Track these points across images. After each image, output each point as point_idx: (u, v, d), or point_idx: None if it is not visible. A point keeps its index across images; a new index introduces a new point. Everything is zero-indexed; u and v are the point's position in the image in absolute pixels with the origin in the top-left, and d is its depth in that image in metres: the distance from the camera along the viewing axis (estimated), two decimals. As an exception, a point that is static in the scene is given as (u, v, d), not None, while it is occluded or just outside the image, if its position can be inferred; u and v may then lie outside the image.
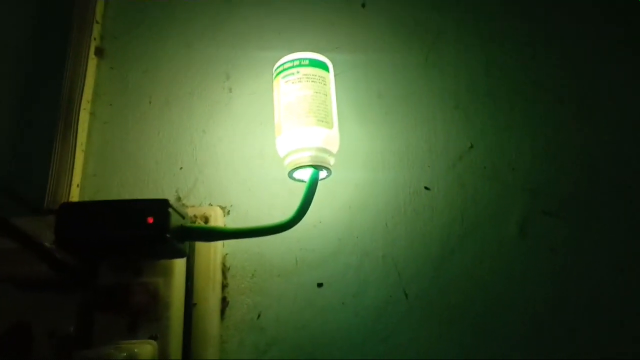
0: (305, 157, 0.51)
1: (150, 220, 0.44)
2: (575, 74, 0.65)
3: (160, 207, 0.44)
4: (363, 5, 0.68)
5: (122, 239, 0.44)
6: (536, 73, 0.65)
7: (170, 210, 0.45)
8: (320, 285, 0.57)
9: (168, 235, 0.44)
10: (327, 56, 0.57)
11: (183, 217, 0.48)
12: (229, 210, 0.61)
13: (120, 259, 0.49)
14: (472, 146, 0.61)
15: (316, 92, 0.53)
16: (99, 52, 0.69)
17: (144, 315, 0.49)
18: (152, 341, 0.48)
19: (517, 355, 0.54)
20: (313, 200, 0.52)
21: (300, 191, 0.52)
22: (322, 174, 0.53)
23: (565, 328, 0.55)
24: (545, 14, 0.68)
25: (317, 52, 0.57)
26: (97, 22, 0.69)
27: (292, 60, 0.54)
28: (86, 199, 0.62)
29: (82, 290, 0.49)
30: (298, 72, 0.53)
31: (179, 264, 0.53)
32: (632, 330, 0.55)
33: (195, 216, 0.57)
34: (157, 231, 0.44)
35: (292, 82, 0.53)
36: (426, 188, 0.60)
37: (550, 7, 0.68)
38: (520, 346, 0.54)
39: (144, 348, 0.47)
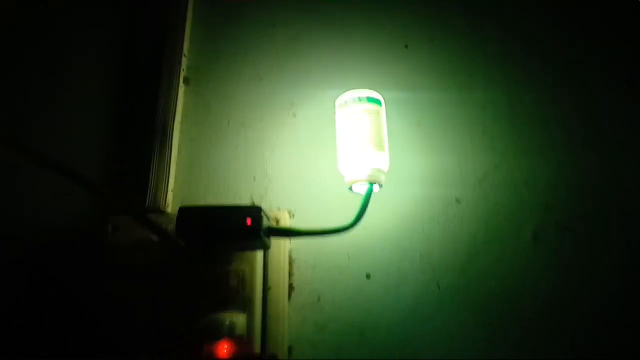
0: (363, 175, 0.65)
1: (249, 221, 0.58)
2: (584, 109, 0.78)
3: (256, 212, 0.59)
4: (406, 47, 0.82)
5: (228, 234, 0.58)
6: (550, 107, 0.78)
7: (262, 214, 0.59)
8: (368, 276, 0.71)
9: (261, 233, 0.58)
10: (377, 90, 0.71)
11: (268, 219, 0.63)
12: (293, 214, 0.74)
13: (221, 249, 0.63)
14: (496, 166, 0.75)
15: (372, 123, 0.67)
16: (186, 81, 0.83)
17: (236, 294, 0.63)
18: (243, 314, 0.62)
19: (529, 337, 0.67)
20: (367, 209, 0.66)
21: (352, 201, 0.66)
22: (375, 187, 0.67)
23: (567, 318, 0.68)
24: (562, 59, 0.81)
25: (367, 87, 0.71)
26: (184, 56, 0.83)
27: (354, 97, 0.68)
28: (178, 202, 0.76)
29: (191, 275, 0.63)
30: (359, 107, 0.67)
31: (259, 256, 0.67)
32: (620, 329, 0.67)
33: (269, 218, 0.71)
34: (254, 229, 0.58)
35: (354, 114, 0.67)
36: (457, 201, 0.73)
37: (566, 52, 0.81)
38: (532, 331, 0.67)
39: (238, 317, 0.61)
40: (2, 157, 0.76)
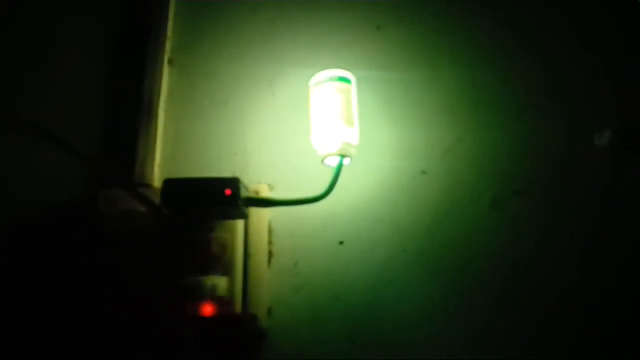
0: (334, 148, 0.71)
1: (228, 192, 0.64)
2: (538, 84, 0.83)
3: (234, 183, 0.64)
4: (378, 28, 0.87)
5: (209, 203, 0.64)
6: (511, 84, 0.83)
7: (240, 185, 0.65)
8: (341, 243, 0.77)
9: (239, 202, 0.64)
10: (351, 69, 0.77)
11: (246, 190, 0.68)
12: (273, 187, 0.80)
13: (203, 218, 0.69)
14: (458, 139, 0.81)
15: (342, 101, 0.72)
16: (170, 62, 0.87)
17: (218, 260, 0.69)
18: (225, 277, 0.68)
19: (486, 294, 0.74)
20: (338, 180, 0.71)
21: (328, 173, 0.72)
22: (346, 160, 0.72)
23: (521, 277, 0.74)
24: (521, 40, 0.86)
25: (342, 66, 0.76)
26: (168, 38, 0.88)
27: (326, 77, 0.74)
28: (164, 176, 0.79)
29: (176, 242, 0.69)
30: (330, 85, 0.73)
31: (240, 225, 0.73)
32: (572, 285, 0.74)
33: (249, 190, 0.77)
34: (233, 199, 0.64)
35: (326, 92, 0.73)
36: (423, 172, 0.79)
37: (527, 33, 0.87)
38: (489, 288, 0.74)
39: (221, 280, 0.67)
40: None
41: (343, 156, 0.71)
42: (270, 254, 0.77)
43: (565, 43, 0.86)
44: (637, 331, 0.72)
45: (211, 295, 0.64)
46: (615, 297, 0.74)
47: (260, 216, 0.76)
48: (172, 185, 0.64)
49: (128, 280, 0.68)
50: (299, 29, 0.88)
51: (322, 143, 0.72)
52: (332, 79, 0.74)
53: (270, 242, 0.78)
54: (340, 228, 0.78)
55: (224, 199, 0.63)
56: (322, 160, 0.73)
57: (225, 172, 0.81)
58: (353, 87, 0.75)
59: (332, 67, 0.77)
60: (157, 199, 0.65)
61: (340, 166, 0.71)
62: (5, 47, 0.88)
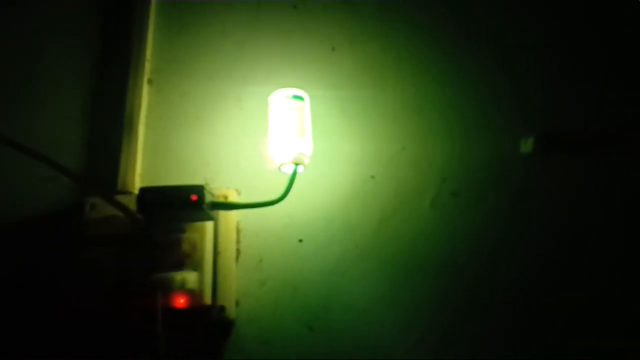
0: (288, 158, 0.81)
1: (194, 197, 0.73)
2: (474, 96, 0.94)
3: (199, 189, 0.74)
4: (333, 49, 0.97)
5: (177, 207, 0.74)
6: (449, 96, 0.94)
7: (204, 191, 0.74)
8: (300, 241, 0.87)
9: (203, 206, 0.74)
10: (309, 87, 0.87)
11: (212, 195, 0.78)
12: (240, 192, 0.89)
13: (174, 221, 0.79)
14: (403, 148, 0.91)
15: (296, 116, 0.82)
16: (150, 82, 0.97)
17: (189, 257, 0.79)
18: (194, 272, 0.78)
19: (426, 283, 0.84)
20: (294, 185, 0.81)
21: (287, 179, 0.82)
22: (300, 168, 0.82)
23: (456, 268, 0.85)
24: (459, 55, 0.97)
25: (302, 84, 0.87)
26: (148, 60, 0.97)
27: (282, 95, 0.84)
28: (145, 184, 0.90)
29: (149, 244, 0.79)
30: (285, 102, 0.83)
31: (209, 226, 0.82)
32: (498, 275, 0.84)
33: (218, 195, 0.86)
34: (198, 204, 0.73)
35: (281, 109, 0.83)
36: (372, 177, 0.89)
37: (462, 50, 0.97)
38: (429, 278, 0.84)
39: (190, 275, 0.76)
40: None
41: (297, 164, 0.81)
42: (237, 251, 0.87)
43: (494, 60, 0.96)
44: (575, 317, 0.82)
45: (180, 287, 0.74)
46: (539, 290, 0.84)
47: (228, 218, 0.86)
48: (146, 193, 0.74)
49: (107, 275, 0.78)
50: (264, 50, 0.98)
51: (278, 153, 0.82)
52: (287, 96, 0.84)
53: (238, 241, 0.87)
54: (300, 228, 0.88)
55: (190, 204, 0.73)
56: (279, 168, 0.83)
57: (198, 179, 0.90)
58: (306, 103, 0.85)
59: (293, 85, 0.87)
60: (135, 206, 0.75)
61: (294, 173, 0.81)
62: None
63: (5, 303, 0.83)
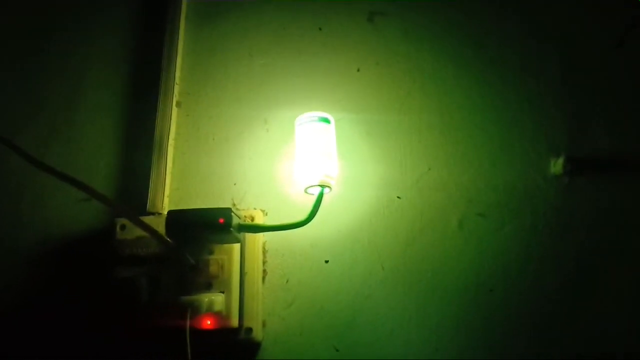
0: (315, 180, 0.81)
1: (221, 220, 0.75)
2: (499, 118, 0.93)
3: (227, 212, 0.75)
4: (358, 70, 0.98)
5: (205, 230, 0.75)
6: (476, 118, 0.93)
7: (232, 214, 0.76)
8: (327, 261, 0.87)
9: (231, 229, 0.75)
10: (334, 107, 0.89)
11: (239, 218, 0.79)
12: (267, 213, 0.91)
13: (201, 243, 0.80)
14: (429, 169, 0.91)
15: (322, 139, 0.83)
16: (178, 104, 1.00)
17: (216, 278, 0.80)
18: (221, 294, 0.79)
19: (454, 307, 0.83)
20: (320, 207, 0.82)
21: (312, 200, 0.82)
22: (326, 190, 0.83)
23: (484, 287, 0.84)
24: (483, 75, 0.96)
25: (328, 105, 0.89)
26: (176, 84, 1.00)
27: (308, 118, 0.85)
28: (173, 206, 0.92)
29: (177, 263, 0.81)
30: (312, 125, 0.84)
31: (236, 248, 0.83)
32: (529, 292, 0.83)
33: (245, 216, 0.87)
34: (225, 226, 0.75)
35: (308, 131, 0.84)
36: (398, 197, 0.90)
37: (486, 69, 0.97)
38: (456, 301, 0.83)
39: (217, 297, 0.78)
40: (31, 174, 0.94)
41: (323, 186, 0.82)
42: (264, 272, 0.87)
43: (520, 82, 0.96)
44: (600, 341, 0.81)
45: (208, 309, 0.75)
46: (569, 308, 0.82)
47: (255, 239, 0.87)
48: (174, 216, 0.75)
49: (138, 296, 0.79)
50: (289, 72, 1.00)
51: (305, 175, 0.83)
52: (313, 119, 0.85)
53: (264, 262, 0.88)
54: (326, 249, 0.88)
55: (217, 226, 0.74)
56: (305, 190, 0.84)
57: (225, 200, 0.92)
58: (332, 126, 0.86)
59: (318, 106, 0.88)
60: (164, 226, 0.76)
61: (321, 195, 0.82)
62: (37, 100, 1.02)
63: (41, 319, 0.86)
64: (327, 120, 0.86)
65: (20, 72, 1.05)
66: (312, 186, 0.82)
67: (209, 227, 0.75)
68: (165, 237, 0.76)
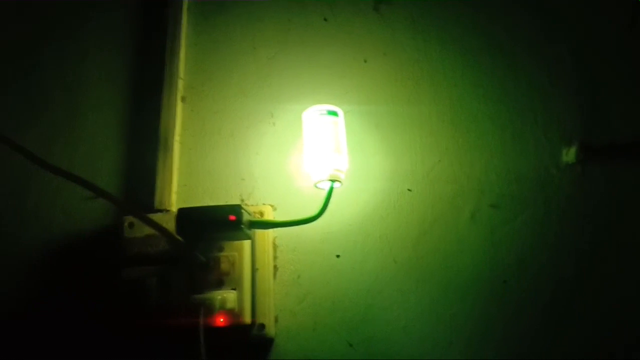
0: (325, 175, 0.80)
1: (232, 217, 0.74)
2: (510, 106, 0.92)
3: (237, 209, 0.74)
4: (365, 61, 0.97)
5: (216, 227, 0.74)
6: (486, 108, 0.92)
7: (242, 210, 0.75)
8: (338, 256, 0.86)
9: (242, 226, 0.74)
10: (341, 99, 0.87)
11: (250, 214, 0.78)
12: (276, 208, 0.90)
13: (212, 240, 0.79)
14: (440, 161, 0.90)
15: (331, 132, 0.82)
16: (183, 99, 0.98)
17: (227, 275, 0.79)
18: (233, 291, 0.78)
19: (467, 300, 0.82)
20: (331, 201, 0.80)
21: (323, 195, 0.81)
22: (337, 184, 0.82)
23: (498, 279, 0.83)
24: (493, 65, 0.95)
25: (335, 97, 0.88)
26: (181, 78, 0.98)
27: (316, 111, 0.83)
28: (181, 202, 0.91)
29: (188, 261, 0.80)
30: (320, 119, 0.83)
31: (247, 244, 0.82)
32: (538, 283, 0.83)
33: (254, 212, 0.86)
34: (236, 223, 0.74)
35: (316, 125, 0.83)
36: (409, 190, 0.88)
37: (496, 60, 0.96)
38: (470, 294, 0.83)
39: (229, 294, 0.77)
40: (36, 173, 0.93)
41: (333, 181, 0.81)
42: (275, 268, 0.87)
43: (531, 71, 0.95)
44: (612, 337, 0.80)
45: (221, 307, 0.74)
46: (585, 298, 0.82)
47: (265, 235, 0.86)
48: (184, 214, 0.74)
49: (149, 295, 0.78)
50: (295, 64, 0.98)
51: (314, 170, 0.82)
52: (321, 113, 0.83)
53: (275, 258, 0.87)
54: (337, 243, 0.87)
55: (228, 224, 0.73)
56: (315, 185, 0.83)
57: (233, 196, 0.91)
58: (341, 119, 0.85)
59: (325, 99, 0.87)
60: (171, 223, 0.75)
61: (331, 190, 0.80)
62: (40, 99, 1.00)
63: (47, 321, 0.85)
64: (335, 114, 0.84)
65: (23, 69, 1.03)
66: (322, 181, 0.81)
67: (220, 224, 0.74)
68: (176, 235, 0.75)
